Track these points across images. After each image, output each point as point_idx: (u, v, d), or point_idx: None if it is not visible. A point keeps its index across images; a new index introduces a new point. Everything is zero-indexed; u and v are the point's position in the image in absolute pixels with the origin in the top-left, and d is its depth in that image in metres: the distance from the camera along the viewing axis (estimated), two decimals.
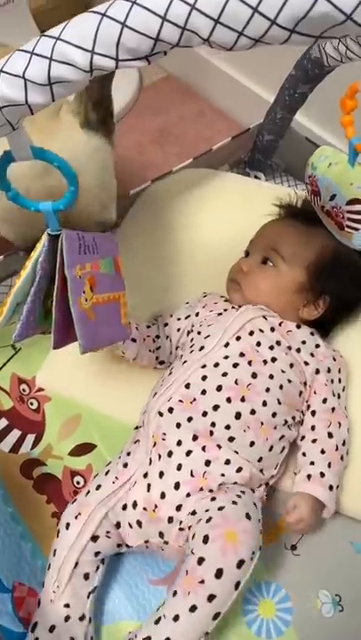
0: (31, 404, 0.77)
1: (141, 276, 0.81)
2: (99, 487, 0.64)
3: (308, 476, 0.64)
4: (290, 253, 0.73)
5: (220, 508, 0.57)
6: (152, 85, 1.28)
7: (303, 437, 0.68)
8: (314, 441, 0.66)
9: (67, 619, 0.59)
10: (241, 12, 0.32)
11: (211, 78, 1.20)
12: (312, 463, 0.65)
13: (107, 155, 0.62)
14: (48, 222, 0.51)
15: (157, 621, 0.54)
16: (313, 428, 0.67)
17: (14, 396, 0.77)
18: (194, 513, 0.59)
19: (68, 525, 0.62)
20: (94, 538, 0.61)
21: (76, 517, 0.62)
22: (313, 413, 0.68)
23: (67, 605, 0.60)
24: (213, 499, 0.59)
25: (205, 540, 0.55)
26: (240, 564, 0.54)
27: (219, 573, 0.53)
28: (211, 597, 0.53)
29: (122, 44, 0.34)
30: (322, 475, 0.64)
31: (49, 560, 0.63)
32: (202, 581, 0.53)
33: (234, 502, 0.58)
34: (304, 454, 0.66)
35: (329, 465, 0.64)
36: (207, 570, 0.53)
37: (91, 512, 0.62)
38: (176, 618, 0.53)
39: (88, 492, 0.64)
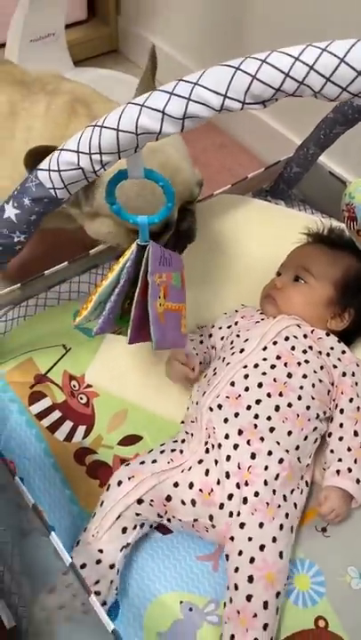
0: (81, 398, 0.84)
1: None
2: (154, 461, 0.72)
3: (338, 472, 0.72)
4: (319, 271, 0.83)
5: (262, 546, 0.64)
6: None
7: (331, 434, 0.76)
8: (341, 439, 0.75)
9: (98, 562, 0.67)
10: (348, 73, 0.42)
11: (232, 114, 1.32)
12: (340, 460, 0.73)
13: None
14: (140, 233, 0.60)
15: None
16: (341, 425, 0.76)
17: (66, 390, 0.84)
18: (242, 525, 0.66)
19: (120, 483, 0.70)
20: (140, 501, 0.69)
21: (129, 478, 0.70)
22: (341, 411, 0.77)
23: (100, 551, 0.67)
24: (261, 525, 0.65)
25: (250, 579, 0.63)
26: (278, 594, 0.63)
27: (266, 605, 0.62)
28: (265, 626, 0.61)
29: (250, 91, 0.44)
30: (349, 470, 0.72)
31: (95, 510, 0.70)
32: (255, 615, 0.61)
33: (274, 539, 0.65)
34: (332, 451, 0.74)
35: (355, 461, 0.73)
36: (256, 605, 0.62)
37: (144, 478, 0.70)
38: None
39: (143, 461, 0.72)
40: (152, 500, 0.70)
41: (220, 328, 0.86)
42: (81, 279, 0.95)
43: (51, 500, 0.73)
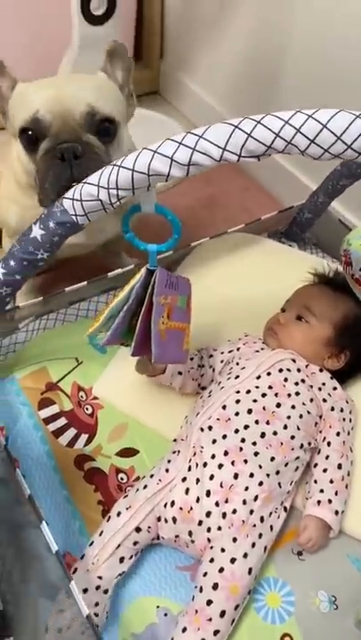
0: (87, 408, 0.91)
1: None
2: (145, 487, 0.77)
3: (318, 502, 0.77)
4: (321, 312, 0.89)
5: (234, 559, 0.69)
6: None
7: (316, 465, 0.81)
8: (325, 470, 0.80)
9: (97, 588, 0.71)
10: (329, 138, 0.49)
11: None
12: (321, 491, 0.78)
13: None
14: (149, 259, 0.67)
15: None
16: (327, 457, 0.80)
17: (74, 400, 0.91)
18: (219, 528, 0.71)
19: (119, 514, 0.75)
20: (138, 529, 0.74)
21: (127, 509, 0.75)
22: (328, 444, 0.81)
23: (99, 577, 0.71)
24: (235, 539, 0.70)
25: (215, 587, 0.68)
26: (237, 607, 0.68)
27: (222, 614, 0.67)
28: (216, 632, 0.66)
29: (245, 147, 0.51)
30: (330, 501, 0.77)
31: (93, 538, 0.75)
32: (210, 619, 0.66)
33: (245, 555, 0.70)
34: (316, 482, 0.79)
35: (336, 493, 0.78)
36: (214, 611, 0.66)
37: (139, 507, 0.75)
38: None
39: (137, 489, 0.77)
40: (149, 527, 0.74)
41: (222, 352, 0.91)
42: (99, 299, 1.02)
43: (48, 497, 0.79)
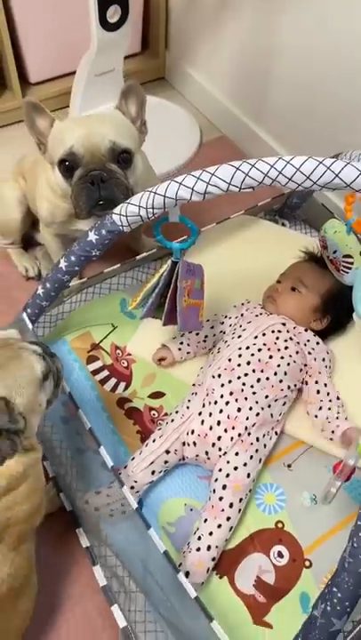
0: (123, 363, 1.16)
1: None
2: (172, 420, 1.03)
3: (337, 417, 1.02)
4: (311, 284, 1.13)
5: (236, 468, 0.96)
6: (209, 142, 1.69)
7: (319, 407, 1.05)
8: (320, 408, 1.04)
9: (131, 487, 0.97)
10: (301, 177, 0.71)
11: (255, 144, 1.61)
12: (337, 412, 1.03)
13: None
14: (174, 254, 0.91)
15: (199, 538, 0.92)
16: (328, 394, 1.06)
17: (112, 356, 1.16)
18: (225, 453, 0.97)
19: (154, 440, 1.01)
20: (167, 451, 1.00)
21: (160, 437, 1.01)
22: (316, 382, 1.07)
23: (135, 481, 0.98)
24: (237, 454, 0.96)
25: (224, 487, 0.94)
26: (241, 500, 0.95)
27: (231, 505, 0.93)
28: (228, 518, 0.93)
29: (244, 182, 0.74)
30: (337, 418, 1.02)
31: (134, 455, 1.01)
32: (222, 510, 0.93)
33: (245, 464, 0.96)
34: (329, 408, 1.03)
35: (337, 417, 1.03)
36: (225, 504, 0.93)
37: (168, 435, 1.01)
38: (211, 533, 0.92)
39: (167, 422, 1.03)
40: (176, 450, 1.00)
41: (230, 318, 1.16)
42: (126, 275, 1.26)
43: (99, 430, 1.05)
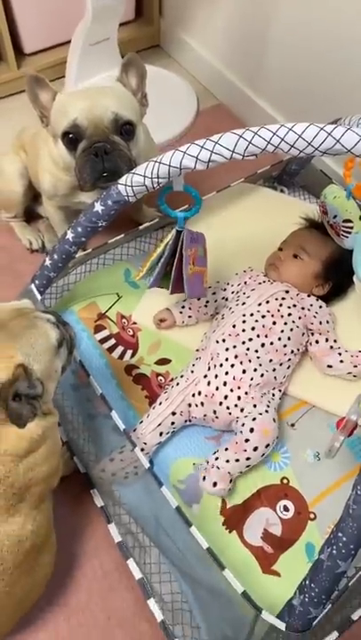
0: (129, 331, 1.19)
1: None
2: (178, 384, 1.07)
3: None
4: (313, 251, 1.15)
5: (261, 413, 1.00)
6: (206, 110, 1.69)
7: (338, 353, 1.10)
8: (339, 354, 1.10)
9: (141, 449, 1.00)
10: (304, 144, 0.73)
11: (252, 110, 1.62)
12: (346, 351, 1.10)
13: None
14: (178, 223, 0.93)
15: (217, 458, 0.97)
16: (338, 346, 1.11)
17: (119, 325, 1.19)
18: (240, 408, 1.01)
19: (160, 403, 1.05)
20: (173, 413, 1.04)
21: (166, 399, 1.05)
22: (326, 340, 1.11)
23: (144, 443, 1.02)
24: (255, 405, 1.01)
25: (251, 430, 0.98)
26: (267, 445, 0.98)
27: (255, 449, 0.97)
28: (247, 458, 0.97)
29: (247, 150, 0.76)
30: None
31: (142, 418, 1.05)
32: (245, 450, 0.97)
33: (266, 411, 1.01)
34: (340, 354, 1.10)
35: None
36: (249, 446, 0.97)
37: (174, 397, 1.05)
38: (228, 461, 0.97)
39: (172, 386, 1.07)
40: (182, 411, 1.04)
41: (232, 286, 1.19)
42: (129, 245, 1.28)
43: (109, 396, 1.09)
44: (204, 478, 0.97)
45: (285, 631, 0.74)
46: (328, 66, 1.35)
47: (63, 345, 0.80)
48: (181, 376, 1.08)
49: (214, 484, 0.96)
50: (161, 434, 1.04)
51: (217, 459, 0.98)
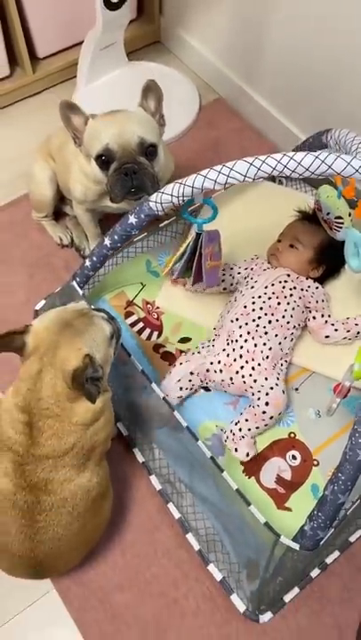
0: (154, 315, 1.39)
1: None
2: (199, 352, 1.27)
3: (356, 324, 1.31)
4: (306, 241, 1.34)
5: (272, 387, 1.20)
6: (207, 106, 1.84)
7: (332, 324, 1.30)
8: (333, 325, 1.30)
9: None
10: (301, 169, 0.91)
11: (251, 106, 1.77)
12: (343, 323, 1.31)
13: None
14: (197, 228, 1.11)
15: (240, 429, 1.19)
16: (333, 325, 1.31)
17: (145, 310, 1.39)
18: (253, 379, 1.21)
19: (180, 363, 1.26)
20: (191, 372, 1.24)
21: (186, 361, 1.26)
22: (322, 315, 1.31)
23: (167, 395, 1.21)
24: (266, 378, 1.21)
25: (267, 404, 1.19)
26: (280, 413, 1.20)
27: (271, 418, 1.19)
28: (265, 425, 1.19)
29: (257, 175, 0.94)
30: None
31: (165, 375, 1.26)
32: (263, 419, 1.19)
33: (277, 384, 1.21)
34: (345, 323, 1.32)
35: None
36: (266, 416, 1.18)
37: (193, 359, 1.25)
38: (249, 429, 1.18)
39: (193, 352, 1.28)
40: (198, 373, 1.25)
41: (240, 267, 1.38)
42: (149, 239, 1.46)
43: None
44: (236, 450, 1.19)
45: (300, 550, 0.96)
46: (324, 63, 1.49)
47: (114, 336, 1.00)
48: (203, 347, 1.28)
49: (247, 454, 1.18)
50: (181, 388, 1.25)
51: (240, 429, 1.19)
